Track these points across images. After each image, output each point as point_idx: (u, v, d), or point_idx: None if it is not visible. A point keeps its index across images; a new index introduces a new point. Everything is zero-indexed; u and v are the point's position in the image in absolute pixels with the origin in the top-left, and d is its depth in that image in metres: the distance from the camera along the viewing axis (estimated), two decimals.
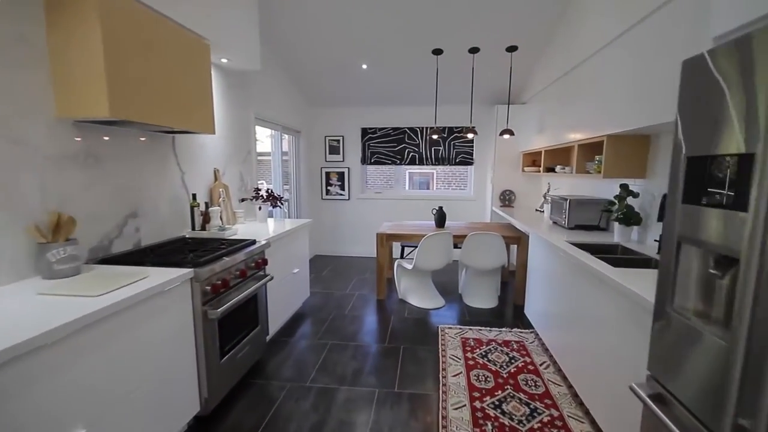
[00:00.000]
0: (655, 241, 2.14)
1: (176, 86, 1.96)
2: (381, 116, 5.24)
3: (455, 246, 3.58)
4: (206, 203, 2.72)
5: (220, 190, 2.92)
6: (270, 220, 3.36)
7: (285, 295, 2.96)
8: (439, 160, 5.21)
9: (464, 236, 3.48)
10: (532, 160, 4.53)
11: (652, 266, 1.91)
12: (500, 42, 3.60)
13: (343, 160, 5.38)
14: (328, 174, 5.44)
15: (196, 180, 2.68)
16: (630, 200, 2.46)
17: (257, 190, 3.38)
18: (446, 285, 4.16)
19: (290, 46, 3.81)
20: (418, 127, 5.19)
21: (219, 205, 2.83)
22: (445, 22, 3.33)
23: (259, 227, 3.00)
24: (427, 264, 3.48)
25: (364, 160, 5.35)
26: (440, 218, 3.92)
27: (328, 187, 5.47)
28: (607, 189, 2.94)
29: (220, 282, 1.91)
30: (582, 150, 2.88)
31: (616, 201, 2.48)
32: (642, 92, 2.01)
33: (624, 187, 2.45)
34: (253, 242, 2.36)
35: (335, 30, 3.55)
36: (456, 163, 5.20)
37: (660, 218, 2.06)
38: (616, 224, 2.48)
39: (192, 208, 2.50)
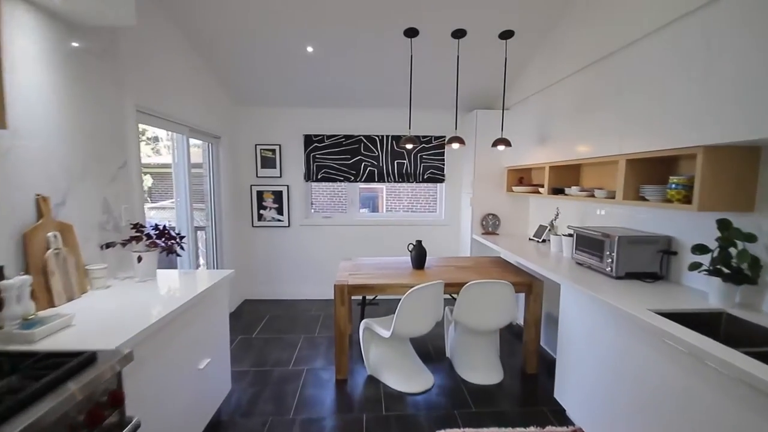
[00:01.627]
0: None
1: None
2: (331, 120, 4.12)
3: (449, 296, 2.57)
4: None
5: (50, 235, 1.58)
6: (162, 276, 2.05)
7: (183, 409, 1.68)
8: (404, 177, 4.21)
9: (456, 285, 2.49)
10: (519, 177, 3.73)
11: None
12: (490, 26, 2.72)
13: (280, 176, 4.15)
14: (260, 194, 4.15)
15: None
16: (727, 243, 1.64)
17: (138, 227, 2.06)
18: (426, 341, 3.12)
19: (203, 14, 2.57)
20: (378, 136, 4.16)
21: (49, 268, 1.49)
22: None
23: (131, 298, 1.70)
24: (411, 329, 2.41)
25: (309, 176, 4.17)
26: (419, 257, 2.88)
27: (261, 211, 4.18)
28: (648, 221, 2.15)
29: None
30: (635, 168, 2.04)
31: (719, 242, 1.64)
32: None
33: (724, 224, 1.62)
34: (90, 358, 1.09)
35: None
36: (424, 180, 4.25)
37: None
38: (714, 281, 1.64)
39: None
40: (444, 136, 4.18)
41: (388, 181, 4.21)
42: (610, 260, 2.07)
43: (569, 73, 2.59)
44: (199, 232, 4.10)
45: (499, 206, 3.80)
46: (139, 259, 1.95)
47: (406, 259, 3.15)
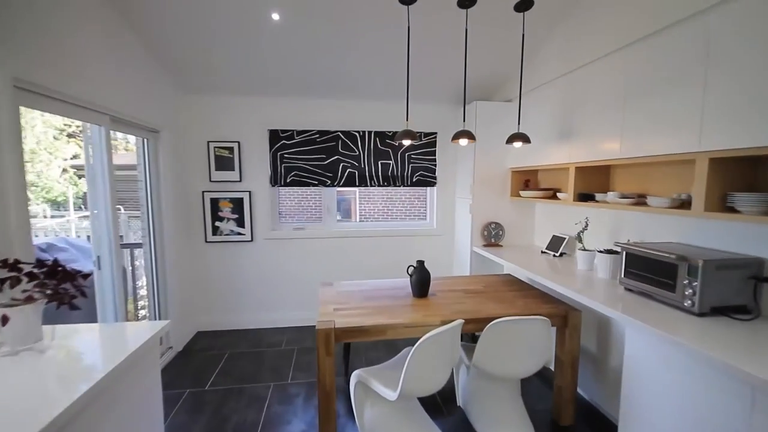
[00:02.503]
0: None
1: None
2: (301, 112, 3.43)
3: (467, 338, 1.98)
4: None
5: None
6: (56, 337, 1.31)
7: None
8: (389, 180, 3.60)
9: (477, 321, 1.91)
10: (524, 180, 3.23)
11: None
12: None
13: (240, 180, 3.40)
14: (215, 202, 3.39)
15: None
16: None
17: (13, 265, 1.32)
18: None
19: None
20: (359, 131, 3.52)
21: None
22: None
23: None
24: (424, 386, 1.79)
25: (276, 180, 3.45)
26: (422, 283, 2.28)
27: (217, 223, 3.41)
28: (712, 237, 1.68)
29: None
30: (718, 170, 1.55)
31: None
32: None
33: None
34: None
35: None
36: (413, 184, 3.66)
37: None
38: None
39: None
40: (435, 133, 3.61)
41: (371, 185, 3.58)
42: (690, 291, 1.57)
43: (606, 53, 2.09)
44: (137, 250, 3.30)
45: (502, 214, 3.28)
46: (4, 320, 1.20)
47: (403, 281, 2.55)
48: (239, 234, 3.43)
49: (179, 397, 2.44)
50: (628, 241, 2.13)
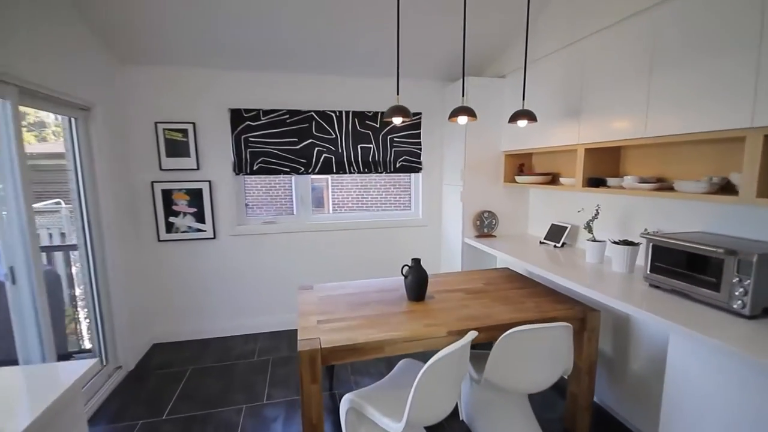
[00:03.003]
0: None
1: None
2: (268, 89, 2.98)
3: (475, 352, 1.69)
4: None
5: None
6: None
7: None
8: (371, 166, 3.24)
9: (489, 330, 1.64)
10: (518, 165, 2.98)
11: None
12: None
13: (197, 168, 2.92)
14: (168, 194, 2.90)
15: None
16: None
17: None
18: None
19: None
20: (335, 111, 3.12)
21: None
22: None
23: None
24: (432, 413, 1.49)
25: (241, 168, 3.00)
26: (418, 284, 1.97)
27: (172, 219, 2.93)
28: (731, 224, 1.49)
29: None
30: None
31: None
32: None
33: None
34: None
35: None
36: (396, 170, 3.32)
37: None
38: None
39: None
40: (420, 113, 3.27)
41: (351, 172, 3.21)
42: (740, 290, 1.35)
43: (628, 15, 1.82)
44: (73, 253, 2.79)
45: (495, 201, 3.02)
46: None
47: (394, 281, 2.24)
48: (199, 231, 2.97)
49: (131, 429, 2.03)
50: (655, 231, 1.91)
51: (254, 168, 3.02)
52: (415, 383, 1.36)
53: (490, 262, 3.08)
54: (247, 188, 3.21)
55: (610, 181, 2.07)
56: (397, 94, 1.93)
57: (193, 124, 2.86)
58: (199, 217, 2.96)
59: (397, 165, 3.30)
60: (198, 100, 2.86)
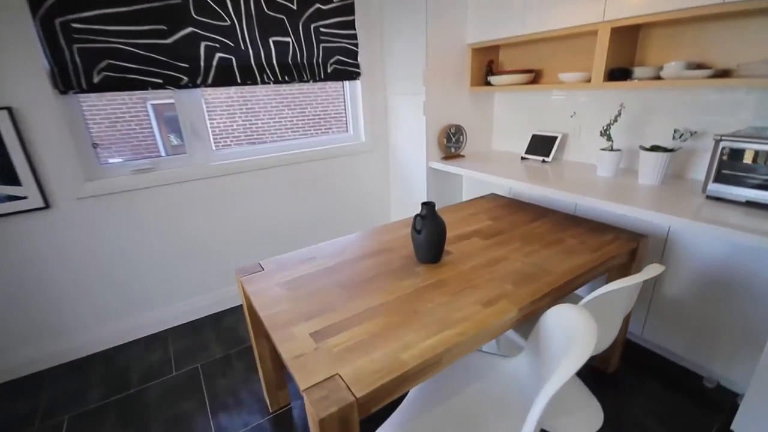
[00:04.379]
0: None
1: None
2: None
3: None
4: None
5: None
6: None
7: None
8: (291, 71, 2.24)
9: (546, 296, 1.18)
10: (487, 62, 2.38)
11: None
12: None
13: None
14: None
15: None
16: None
17: None
18: None
19: None
20: None
21: None
22: None
23: None
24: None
25: (67, 80, 1.72)
26: (438, 239, 1.34)
27: None
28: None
29: None
30: None
31: None
32: None
33: None
34: None
35: None
36: (327, 76, 2.39)
37: None
38: None
39: None
40: None
41: (264, 81, 2.18)
42: None
43: None
44: None
45: (461, 112, 2.43)
46: None
47: (374, 236, 1.58)
48: (12, 199, 1.71)
49: None
50: (683, 133, 1.59)
51: (95, 80, 1.76)
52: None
53: (453, 192, 2.60)
54: (85, 116, 1.92)
55: (638, 71, 1.64)
56: None
57: None
58: (8, 177, 1.67)
59: (329, 70, 2.37)
60: None
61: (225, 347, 2.03)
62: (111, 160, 2.04)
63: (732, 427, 1.33)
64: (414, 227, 1.34)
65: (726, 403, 1.52)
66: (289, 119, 6.11)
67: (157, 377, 1.85)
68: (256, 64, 2.11)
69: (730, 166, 1.35)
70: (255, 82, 2.14)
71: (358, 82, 2.53)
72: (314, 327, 1.06)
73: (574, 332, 0.91)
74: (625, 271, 1.51)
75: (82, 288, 1.97)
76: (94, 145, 1.91)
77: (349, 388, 0.84)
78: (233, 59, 2.04)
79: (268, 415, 1.59)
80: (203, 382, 1.81)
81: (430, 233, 1.32)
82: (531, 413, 0.81)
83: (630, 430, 1.45)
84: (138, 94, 4.70)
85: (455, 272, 1.31)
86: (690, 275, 1.52)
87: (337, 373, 0.88)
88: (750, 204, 1.34)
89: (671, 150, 1.60)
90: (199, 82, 1.98)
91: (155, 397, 1.73)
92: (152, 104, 5.90)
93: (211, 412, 1.64)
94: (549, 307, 1.05)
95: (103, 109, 4.84)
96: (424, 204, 1.33)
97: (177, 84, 1.93)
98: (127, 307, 2.11)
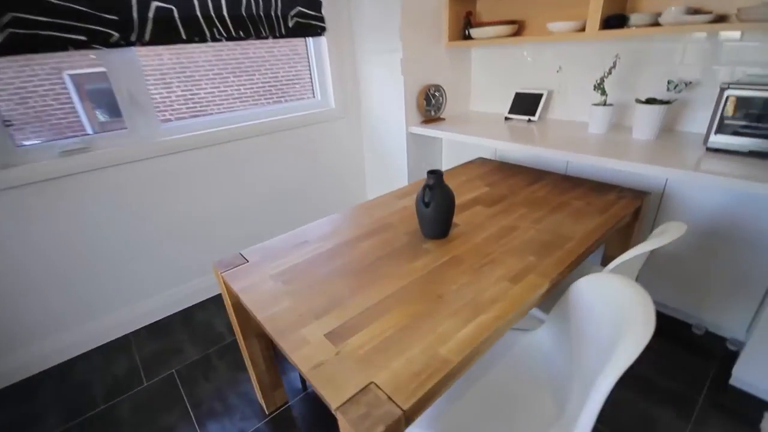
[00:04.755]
0: None
1: None
2: None
3: None
4: None
5: None
6: None
7: None
8: (246, 25, 1.92)
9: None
10: (465, 14, 2.19)
11: None
12: None
13: None
14: None
15: None
16: None
17: None
18: None
19: None
20: None
21: None
22: None
23: None
24: None
25: None
26: (447, 212, 1.21)
27: None
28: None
29: None
30: None
31: None
32: None
33: None
34: None
35: None
36: (289, 32, 2.08)
37: None
38: None
39: None
40: None
41: (216, 38, 1.85)
42: None
43: None
44: None
45: (439, 71, 2.25)
46: None
47: (367, 213, 1.42)
48: None
49: None
50: (677, 85, 1.55)
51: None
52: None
53: (433, 158, 2.46)
54: None
55: (634, 18, 1.55)
56: None
57: None
58: None
59: (291, 24, 2.06)
60: None
61: (202, 347, 1.82)
62: (27, 143, 1.65)
63: (732, 371, 1.39)
64: (422, 199, 1.19)
65: (716, 348, 1.59)
66: (236, 87, 5.61)
67: (125, 390, 1.62)
68: (203, 16, 1.77)
69: (733, 116, 1.32)
70: (204, 39, 1.80)
71: (323, 39, 2.25)
72: (328, 326, 0.90)
73: (623, 305, 0.83)
74: (628, 231, 1.48)
75: (15, 297, 1.63)
76: (7, 124, 1.53)
77: (392, 399, 0.70)
78: (174, 9, 1.68)
79: (265, 418, 1.44)
80: (182, 389, 1.60)
81: (438, 205, 1.18)
82: (592, 397, 0.73)
83: (630, 382, 1.48)
84: (51, 63, 4.01)
85: (468, 246, 1.19)
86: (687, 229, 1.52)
87: (372, 382, 0.74)
88: (753, 154, 1.32)
89: (667, 102, 1.56)
90: (133, 39, 1.63)
91: (126, 414, 1.50)
92: (70, 75, 5.08)
93: (197, 422, 1.45)
94: (569, 277, 0.96)
95: (10, 83, 4.11)
96: (430, 173, 1.18)
97: (106, 42, 1.57)
98: (77, 313, 1.80)
